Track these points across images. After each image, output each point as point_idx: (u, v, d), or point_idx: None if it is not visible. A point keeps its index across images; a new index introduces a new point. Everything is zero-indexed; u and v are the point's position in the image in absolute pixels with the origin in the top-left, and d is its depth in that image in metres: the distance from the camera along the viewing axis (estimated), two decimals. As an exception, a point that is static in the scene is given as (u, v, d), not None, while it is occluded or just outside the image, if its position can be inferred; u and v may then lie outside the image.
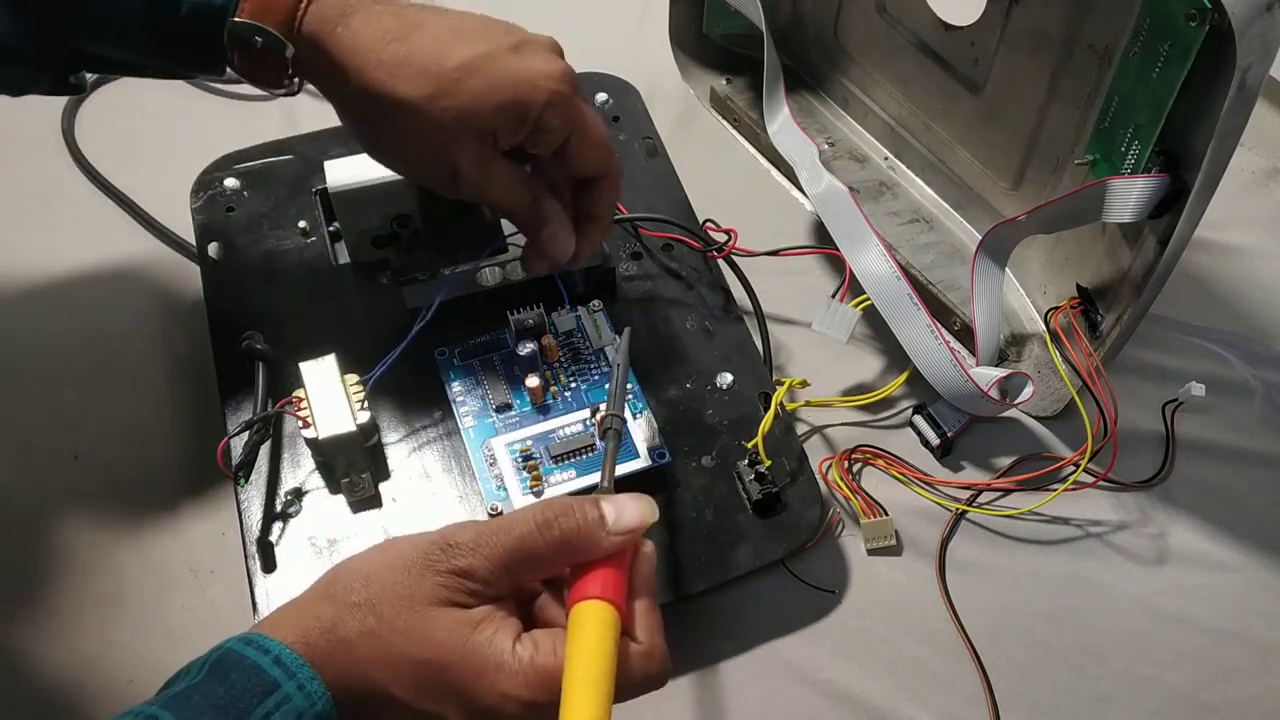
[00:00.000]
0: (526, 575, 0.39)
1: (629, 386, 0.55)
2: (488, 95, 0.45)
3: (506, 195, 0.49)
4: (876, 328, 0.63)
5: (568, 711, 0.35)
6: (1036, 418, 0.61)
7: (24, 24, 0.45)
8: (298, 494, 0.52)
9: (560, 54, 0.49)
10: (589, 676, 0.35)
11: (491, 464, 0.52)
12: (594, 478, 0.50)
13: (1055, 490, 0.56)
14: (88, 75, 0.58)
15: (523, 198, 0.49)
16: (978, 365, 0.58)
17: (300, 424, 0.49)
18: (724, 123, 0.74)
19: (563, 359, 0.56)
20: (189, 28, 0.45)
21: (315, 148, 0.64)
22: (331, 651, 0.37)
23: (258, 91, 0.48)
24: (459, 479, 0.53)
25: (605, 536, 0.38)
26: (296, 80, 0.47)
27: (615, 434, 0.45)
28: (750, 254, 0.61)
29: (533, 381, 0.54)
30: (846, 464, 0.57)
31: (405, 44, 0.45)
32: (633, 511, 0.39)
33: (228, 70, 0.47)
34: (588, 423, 0.53)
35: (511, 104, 0.46)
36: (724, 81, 0.74)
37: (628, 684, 0.37)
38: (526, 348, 0.55)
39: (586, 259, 0.54)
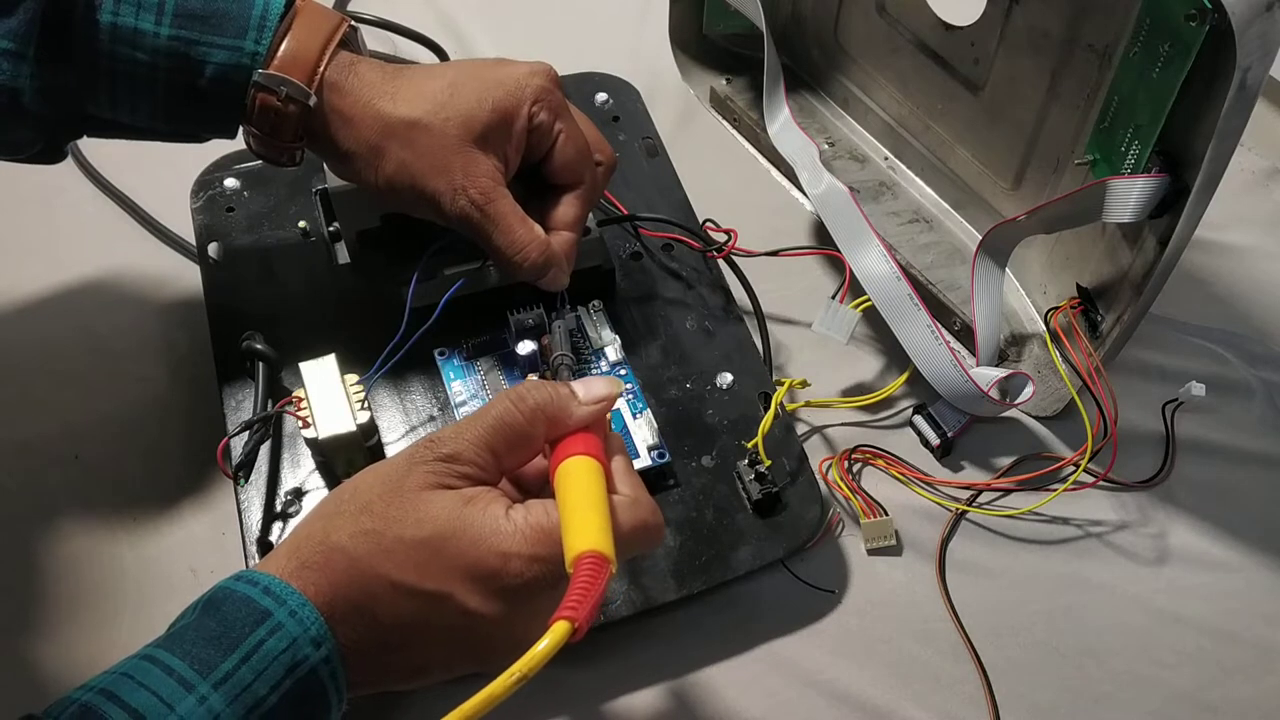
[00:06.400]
0: (509, 454, 0.40)
1: (629, 386, 0.56)
2: (481, 100, 0.48)
3: (512, 219, 0.49)
4: (876, 328, 0.63)
5: (571, 532, 0.36)
6: (1036, 418, 0.61)
7: (48, 85, 0.45)
8: (298, 494, 0.52)
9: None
10: (584, 503, 0.37)
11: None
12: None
13: (1055, 490, 0.56)
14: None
15: (527, 232, 0.50)
16: (978, 365, 0.58)
17: (300, 424, 0.49)
18: (724, 123, 0.74)
19: (563, 359, 0.56)
20: (212, 87, 0.47)
21: (315, 148, 0.64)
22: (326, 562, 0.37)
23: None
24: (459, 479, 0.53)
25: (578, 406, 0.40)
26: (302, 142, 0.49)
27: (566, 368, 0.52)
28: (750, 254, 0.61)
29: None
30: (846, 464, 0.57)
31: (402, 76, 0.49)
32: (600, 384, 0.41)
33: (239, 131, 0.49)
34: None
35: (504, 102, 0.48)
36: (724, 81, 0.74)
37: (620, 532, 0.37)
38: (526, 348, 0.55)
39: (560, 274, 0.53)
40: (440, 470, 0.38)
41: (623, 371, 0.57)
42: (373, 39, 0.73)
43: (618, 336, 0.58)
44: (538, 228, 0.50)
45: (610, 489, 0.39)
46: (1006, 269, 0.59)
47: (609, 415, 0.42)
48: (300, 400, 0.50)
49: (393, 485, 0.38)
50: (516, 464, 0.41)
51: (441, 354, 0.56)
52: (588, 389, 0.41)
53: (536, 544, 0.37)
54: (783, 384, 0.57)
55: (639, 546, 0.39)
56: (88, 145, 0.69)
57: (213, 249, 0.61)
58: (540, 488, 0.42)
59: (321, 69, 0.47)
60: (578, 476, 0.38)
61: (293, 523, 0.51)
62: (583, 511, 0.37)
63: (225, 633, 0.35)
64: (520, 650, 0.32)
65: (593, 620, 0.33)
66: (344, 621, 0.37)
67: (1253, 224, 0.71)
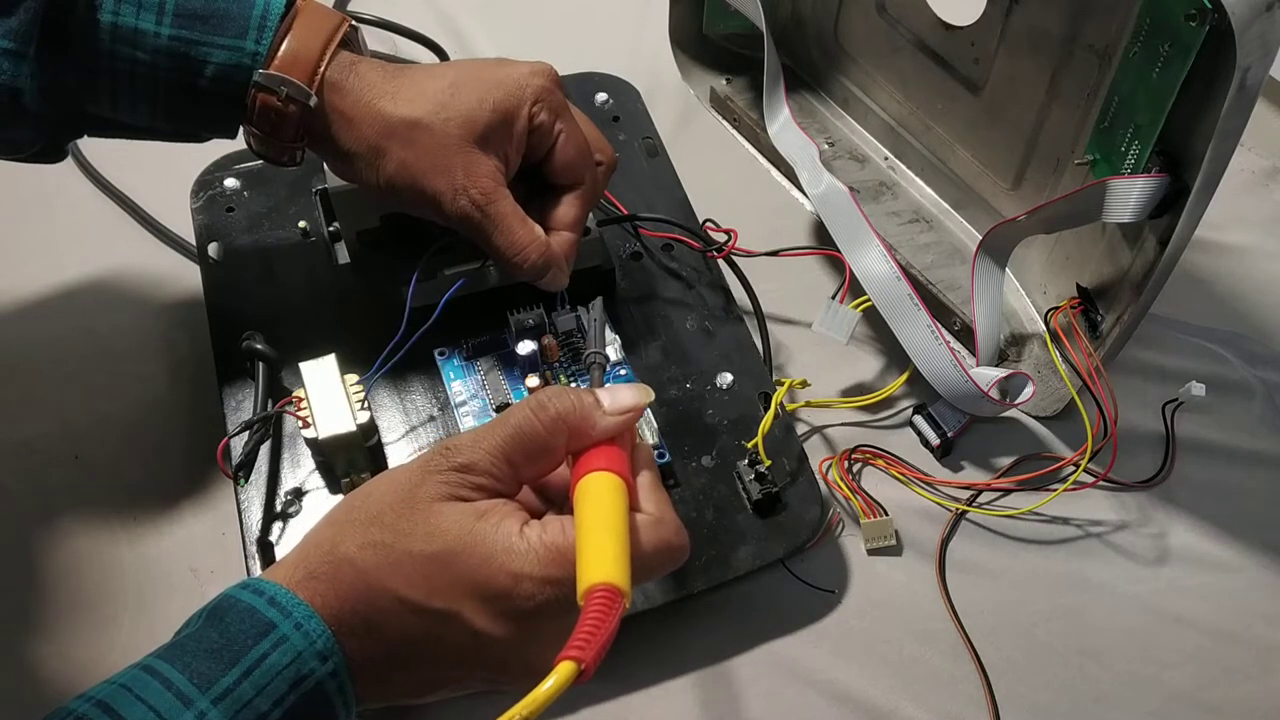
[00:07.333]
0: (528, 465, 0.38)
1: (626, 374, 0.56)
2: (482, 100, 0.48)
3: (513, 220, 0.49)
4: (876, 328, 0.63)
5: (585, 559, 0.34)
6: (1036, 418, 0.61)
7: (48, 84, 0.45)
8: (298, 494, 0.52)
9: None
10: (601, 527, 0.35)
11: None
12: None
13: (1055, 490, 0.56)
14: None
15: (527, 233, 0.50)
16: (978, 365, 0.58)
17: (300, 424, 0.49)
18: (724, 123, 0.74)
19: (563, 359, 0.56)
20: (213, 87, 0.47)
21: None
22: (335, 573, 0.36)
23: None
24: (459, 479, 0.53)
25: (602, 416, 0.38)
26: (302, 142, 0.49)
27: (599, 366, 0.49)
28: (750, 254, 0.61)
29: (533, 381, 0.54)
30: (846, 464, 0.57)
31: (402, 76, 0.49)
32: (627, 393, 0.39)
33: (239, 132, 0.49)
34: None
35: (504, 102, 0.48)
36: (724, 81, 0.74)
37: (641, 553, 0.36)
38: (527, 348, 0.55)
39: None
40: (454, 481, 0.37)
41: (622, 372, 0.57)
42: (373, 39, 0.73)
43: (618, 336, 0.58)
44: (538, 228, 0.50)
45: (634, 506, 0.38)
46: (1006, 269, 0.59)
47: (637, 424, 0.40)
48: (300, 400, 0.50)
49: (404, 495, 0.37)
50: (536, 475, 0.39)
51: (441, 354, 0.56)
52: (614, 398, 0.39)
53: (550, 565, 0.35)
54: (783, 384, 0.57)
55: (661, 569, 0.38)
56: (88, 145, 0.69)
57: (213, 249, 0.61)
58: (566, 497, 0.40)
59: (322, 69, 0.47)
60: (597, 495, 0.36)
61: (293, 523, 0.51)
62: (599, 536, 0.35)
63: (227, 645, 0.35)
64: (533, 673, 0.31)
65: (601, 659, 0.31)
66: (352, 635, 0.36)
67: (1253, 224, 0.71)
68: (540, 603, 0.35)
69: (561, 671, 0.31)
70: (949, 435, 0.58)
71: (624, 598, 0.33)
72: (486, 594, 0.36)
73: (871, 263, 0.58)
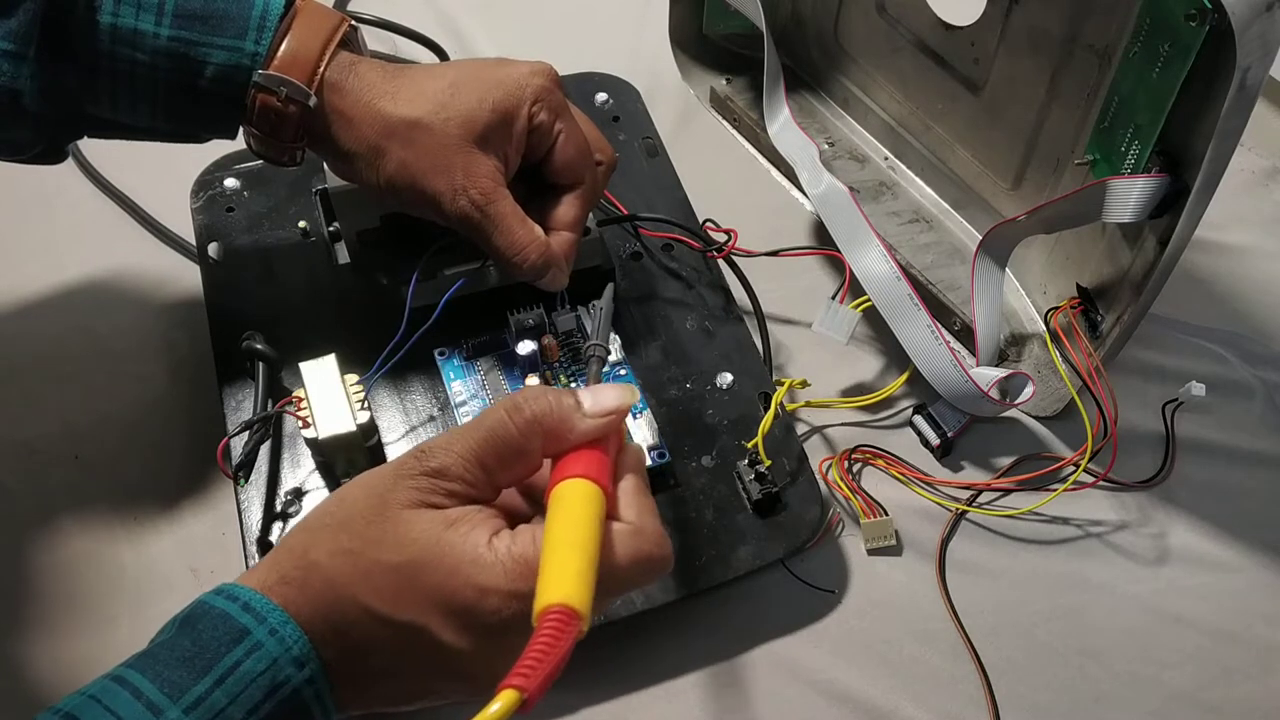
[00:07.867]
0: (502, 469, 0.37)
1: (626, 374, 0.56)
2: (481, 100, 0.48)
3: (512, 220, 0.49)
4: (877, 328, 0.63)
5: (545, 577, 0.32)
6: (1036, 418, 0.61)
7: (48, 85, 0.45)
8: (298, 494, 0.52)
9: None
10: (567, 541, 0.33)
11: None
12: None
13: (1055, 490, 0.56)
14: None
15: (527, 233, 0.50)
16: (978, 365, 0.58)
17: (300, 424, 0.49)
18: (724, 123, 0.74)
19: (563, 359, 0.56)
20: (212, 87, 0.47)
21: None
22: (304, 579, 0.36)
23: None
24: (459, 479, 0.52)
25: (581, 419, 0.37)
26: (302, 143, 0.49)
27: (598, 360, 0.47)
28: (750, 254, 0.61)
29: (532, 381, 0.54)
30: (846, 464, 0.57)
31: (402, 76, 0.49)
32: (610, 394, 0.38)
33: (239, 132, 0.49)
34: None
35: (504, 102, 0.48)
36: (724, 81, 0.74)
37: (616, 565, 0.35)
38: (527, 348, 0.55)
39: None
40: (425, 487, 0.36)
41: (623, 371, 0.57)
42: (373, 39, 0.73)
43: (618, 336, 0.58)
44: (537, 228, 0.50)
45: (613, 514, 0.36)
46: (1006, 269, 0.59)
47: (624, 424, 0.39)
48: (300, 400, 0.50)
49: (376, 501, 0.36)
50: (512, 480, 0.38)
51: (441, 354, 0.56)
52: (595, 400, 0.37)
53: (517, 578, 0.34)
54: (783, 384, 0.57)
55: (639, 581, 0.36)
56: (88, 145, 0.69)
57: (213, 249, 0.61)
58: None
59: (321, 69, 0.47)
60: (569, 506, 0.35)
61: (293, 523, 0.51)
62: (562, 552, 0.33)
63: (199, 653, 0.34)
64: None
65: (548, 687, 0.30)
66: (324, 642, 0.35)
67: (1253, 224, 0.71)
68: (506, 618, 0.34)
69: (505, 699, 0.29)
70: (949, 435, 0.58)
71: (580, 620, 0.31)
72: (452, 608, 0.35)
73: (871, 263, 0.58)
